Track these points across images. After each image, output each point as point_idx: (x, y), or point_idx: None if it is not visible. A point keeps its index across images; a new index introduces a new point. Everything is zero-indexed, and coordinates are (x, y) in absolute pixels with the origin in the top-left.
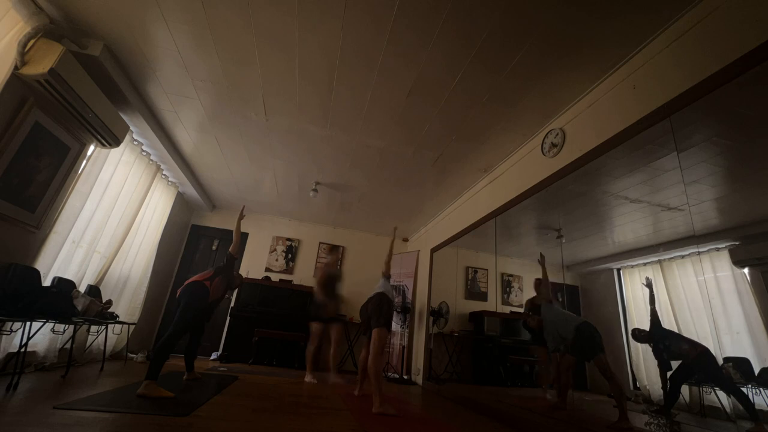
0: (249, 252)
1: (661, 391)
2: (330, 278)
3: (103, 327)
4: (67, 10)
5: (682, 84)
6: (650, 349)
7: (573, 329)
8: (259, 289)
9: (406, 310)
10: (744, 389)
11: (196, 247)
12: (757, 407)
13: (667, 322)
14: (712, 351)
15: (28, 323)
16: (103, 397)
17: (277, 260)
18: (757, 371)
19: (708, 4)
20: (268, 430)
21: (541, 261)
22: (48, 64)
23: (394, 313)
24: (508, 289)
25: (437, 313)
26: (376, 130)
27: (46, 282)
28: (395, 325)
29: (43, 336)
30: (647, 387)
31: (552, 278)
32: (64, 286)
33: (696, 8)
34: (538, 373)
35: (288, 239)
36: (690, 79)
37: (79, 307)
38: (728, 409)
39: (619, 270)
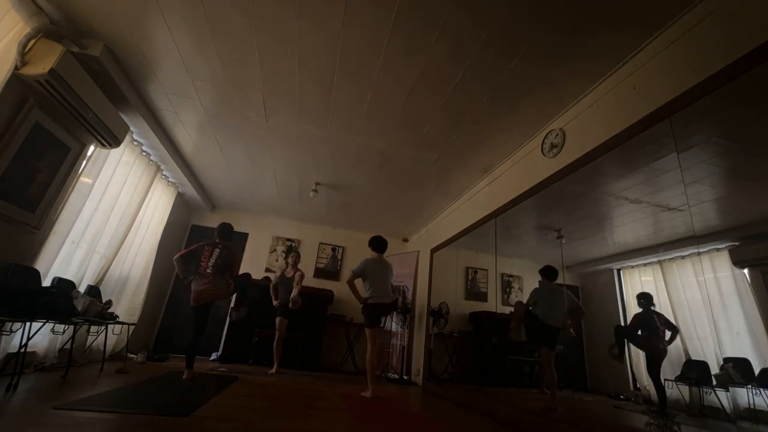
0: (249, 252)
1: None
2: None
3: (103, 327)
4: (67, 10)
5: (682, 84)
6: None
7: None
8: (259, 289)
9: (406, 311)
10: (744, 389)
11: None
12: (757, 408)
13: None
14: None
15: (28, 323)
16: (102, 398)
17: (277, 260)
18: (757, 371)
19: (707, 4)
20: (267, 430)
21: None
22: (48, 65)
23: (395, 313)
24: (508, 289)
25: (437, 314)
26: (376, 131)
27: (46, 282)
28: (395, 326)
29: (43, 336)
30: (647, 387)
31: None
32: (64, 286)
33: (696, 9)
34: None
35: (288, 239)
36: (690, 79)
37: (79, 308)
38: (728, 410)
39: (619, 270)
